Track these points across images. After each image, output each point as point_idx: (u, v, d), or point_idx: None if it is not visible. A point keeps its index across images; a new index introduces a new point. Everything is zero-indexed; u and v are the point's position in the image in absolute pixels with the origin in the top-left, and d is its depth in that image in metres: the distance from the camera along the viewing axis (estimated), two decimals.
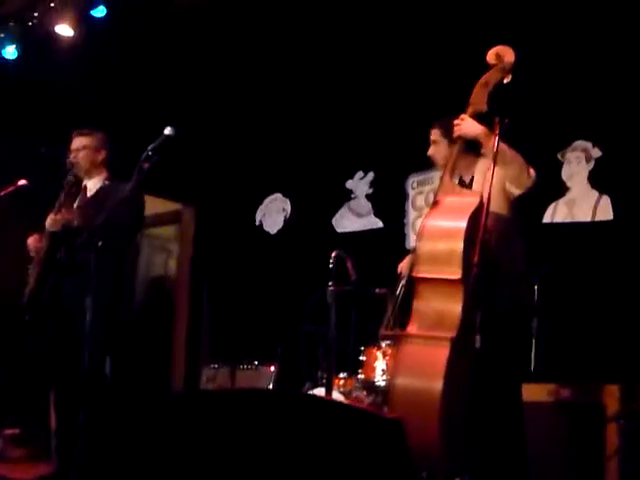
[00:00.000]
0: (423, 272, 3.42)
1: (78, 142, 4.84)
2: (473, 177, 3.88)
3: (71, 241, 4.65)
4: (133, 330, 5.89)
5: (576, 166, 5.72)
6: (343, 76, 6.56)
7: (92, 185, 4.88)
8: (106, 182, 4.86)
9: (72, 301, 4.52)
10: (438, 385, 3.12)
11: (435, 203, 3.62)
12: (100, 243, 4.40)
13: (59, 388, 4.81)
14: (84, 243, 4.47)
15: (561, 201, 5.75)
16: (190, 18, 5.98)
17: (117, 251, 4.69)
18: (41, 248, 4.75)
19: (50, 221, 4.65)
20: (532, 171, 3.69)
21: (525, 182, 3.68)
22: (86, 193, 4.87)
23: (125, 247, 4.85)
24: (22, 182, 5.09)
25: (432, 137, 4.06)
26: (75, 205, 4.80)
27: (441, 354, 3.19)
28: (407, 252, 4.67)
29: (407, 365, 3.33)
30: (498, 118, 3.47)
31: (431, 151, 4.06)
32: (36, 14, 6.02)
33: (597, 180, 5.62)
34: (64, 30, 6.09)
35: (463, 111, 3.74)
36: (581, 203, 5.67)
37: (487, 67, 3.77)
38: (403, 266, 4.46)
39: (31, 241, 4.82)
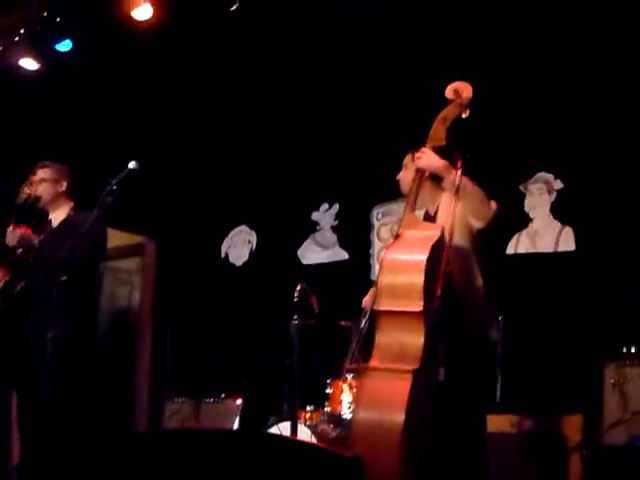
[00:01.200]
0: (384, 305, 3.43)
1: (39, 174, 4.88)
2: (437, 210, 3.91)
3: (32, 273, 4.64)
4: (95, 363, 5.83)
5: (538, 197, 5.79)
6: (308, 109, 6.60)
7: (56, 216, 4.91)
8: (70, 213, 4.88)
9: (34, 334, 4.49)
10: (399, 418, 3.11)
11: (397, 237, 3.64)
12: (64, 278, 4.40)
13: (21, 423, 4.76)
14: (46, 276, 4.45)
15: (524, 232, 5.80)
16: (156, 51, 6.00)
17: (79, 284, 4.67)
18: (1, 280, 4.73)
19: (9, 234, 4.67)
20: (493, 204, 3.72)
21: (486, 215, 3.70)
22: (51, 224, 4.90)
23: (86, 280, 4.83)
24: None
25: (404, 161, 4.09)
26: (41, 236, 4.80)
27: (403, 386, 3.19)
28: (372, 284, 4.67)
29: (369, 398, 3.33)
30: (459, 152, 3.51)
31: (400, 175, 4.09)
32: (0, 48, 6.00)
33: (559, 211, 5.69)
34: (28, 64, 6.07)
35: (422, 145, 3.78)
36: (544, 234, 5.73)
37: (446, 102, 3.82)
38: (367, 300, 4.47)
39: None
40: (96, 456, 3.00)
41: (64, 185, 4.90)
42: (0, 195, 5.42)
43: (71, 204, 4.94)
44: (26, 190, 4.85)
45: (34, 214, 4.95)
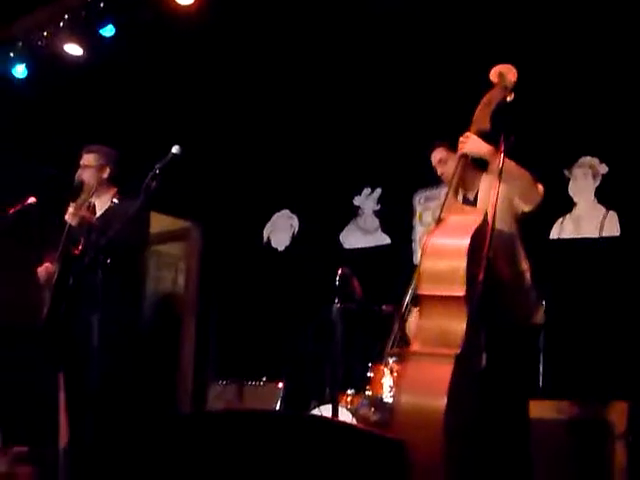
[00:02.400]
0: (427, 290, 3.42)
1: (83, 160, 4.86)
2: (477, 194, 3.88)
3: (80, 261, 4.67)
4: (140, 346, 5.90)
5: (583, 182, 5.73)
6: (351, 92, 6.58)
7: (100, 204, 4.90)
8: (114, 200, 4.85)
9: (83, 321, 4.54)
10: (442, 402, 3.10)
11: (439, 221, 3.62)
12: (108, 261, 4.45)
13: (70, 407, 4.82)
14: (92, 261, 4.50)
15: (568, 217, 5.75)
16: (198, 37, 6.01)
17: (123, 270, 4.70)
18: (52, 274, 4.75)
19: (70, 214, 4.63)
20: (540, 187, 3.70)
21: (534, 198, 3.68)
22: (95, 212, 4.89)
23: (131, 266, 4.86)
24: (31, 200, 5.10)
25: (439, 156, 4.05)
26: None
27: (444, 371, 3.17)
28: (414, 268, 4.65)
29: (410, 382, 3.32)
30: (503, 136, 3.48)
31: (441, 170, 4.06)
32: (45, 33, 6.05)
33: (604, 196, 5.63)
34: (73, 49, 6.12)
35: (466, 129, 3.75)
36: (588, 219, 5.67)
37: (490, 85, 3.78)
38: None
39: (41, 270, 4.81)
40: (142, 438, 3.04)
41: (107, 171, 4.85)
42: (49, 181, 5.49)
43: (114, 190, 4.90)
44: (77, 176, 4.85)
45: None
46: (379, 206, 7.01)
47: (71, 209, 4.65)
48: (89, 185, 4.82)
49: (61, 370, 4.93)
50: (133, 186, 4.53)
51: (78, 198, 4.73)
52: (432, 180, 6.11)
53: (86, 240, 4.68)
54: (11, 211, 5.07)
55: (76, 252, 4.69)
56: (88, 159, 4.85)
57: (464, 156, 3.73)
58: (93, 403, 4.43)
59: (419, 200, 6.72)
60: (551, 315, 4.69)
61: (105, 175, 4.86)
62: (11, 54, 6.26)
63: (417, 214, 6.71)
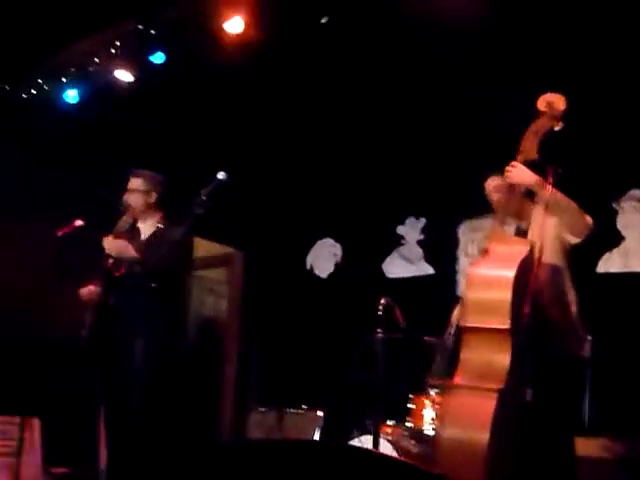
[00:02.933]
0: (471, 321, 3.38)
1: (130, 184, 4.89)
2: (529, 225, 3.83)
3: (124, 283, 4.70)
4: (183, 370, 5.92)
5: (632, 215, 5.65)
6: (397, 122, 6.58)
7: (145, 228, 4.91)
8: (159, 225, 4.87)
9: (124, 343, 4.57)
10: (484, 437, 3.06)
11: (485, 251, 3.59)
12: (153, 285, 4.47)
13: (110, 429, 4.83)
14: (136, 285, 4.53)
15: (616, 251, 5.67)
16: (247, 64, 6.07)
17: (167, 294, 4.71)
18: (94, 295, 4.78)
19: (108, 242, 4.67)
20: (589, 219, 3.65)
21: (582, 230, 3.63)
22: (139, 236, 4.90)
23: (175, 290, 4.87)
24: (79, 223, 5.15)
25: (494, 184, 4.01)
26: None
27: (488, 405, 3.13)
28: (458, 299, 4.61)
29: (453, 416, 3.29)
30: (552, 167, 3.44)
31: (495, 198, 4.01)
32: (96, 59, 6.15)
33: None
34: (123, 75, 6.22)
35: (513, 158, 3.72)
36: (637, 253, 5.58)
37: (538, 114, 3.75)
38: (455, 316, 4.42)
39: (84, 291, 4.85)
40: (181, 465, 3.02)
41: (154, 196, 4.87)
42: (99, 204, 5.54)
43: (160, 215, 4.91)
44: (124, 200, 4.90)
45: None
46: (423, 236, 6.98)
47: (109, 237, 4.69)
48: (132, 209, 4.86)
49: (101, 390, 4.95)
50: (179, 211, 4.56)
51: (118, 223, 4.77)
52: (477, 211, 6.13)
53: (128, 264, 4.70)
54: (59, 233, 5.13)
55: (117, 274, 4.72)
56: (135, 183, 4.88)
57: (511, 186, 3.70)
58: (134, 426, 4.45)
59: (464, 230, 6.67)
60: (598, 350, 4.63)
61: (151, 200, 4.88)
62: (63, 79, 6.37)
63: (462, 245, 6.66)
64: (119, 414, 4.62)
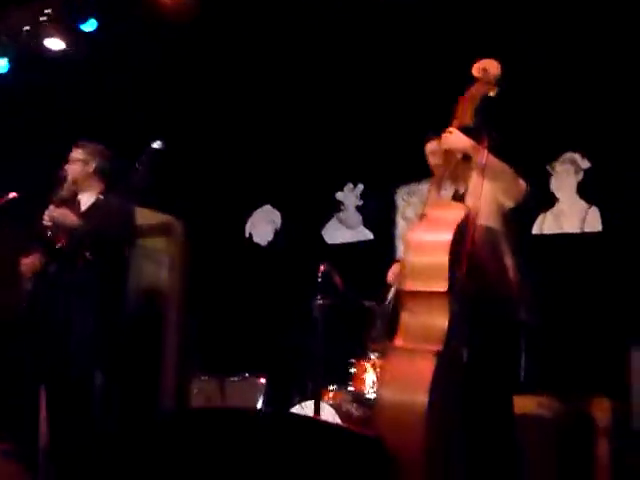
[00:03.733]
0: (409, 285, 3.41)
1: (71, 155, 4.83)
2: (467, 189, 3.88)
3: (64, 254, 4.64)
4: (123, 341, 5.86)
5: (565, 177, 5.75)
6: (332, 87, 6.57)
7: (85, 199, 4.84)
8: (100, 196, 4.82)
9: (63, 315, 4.52)
10: (423, 398, 3.10)
11: (422, 216, 3.63)
12: (88, 254, 4.43)
13: (50, 403, 4.78)
14: (72, 254, 4.48)
15: (550, 212, 5.76)
16: (180, 30, 5.99)
17: (106, 264, 4.68)
18: (35, 266, 4.72)
19: (47, 212, 4.61)
20: (522, 183, 3.69)
21: (516, 194, 3.68)
22: (79, 207, 4.83)
23: (114, 260, 4.84)
24: (12, 195, 5.07)
25: (430, 148, 4.06)
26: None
27: (426, 367, 3.17)
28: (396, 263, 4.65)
29: (392, 378, 3.32)
30: (486, 131, 3.48)
31: (432, 163, 4.06)
32: (27, 28, 6.01)
33: (586, 191, 5.65)
34: (55, 44, 6.08)
35: (450, 124, 3.75)
36: (570, 214, 5.69)
37: (473, 80, 3.78)
38: (391, 274, 4.45)
39: (26, 262, 4.78)
40: (124, 436, 3.03)
41: (92, 166, 4.79)
42: (32, 176, 5.44)
43: (102, 186, 4.84)
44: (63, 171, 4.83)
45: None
46: (361, 201, 7.01)
47: (50, 207, 4.63)
48: (69, 180, 4.79)
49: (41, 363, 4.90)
50: (118, 181, 4.51)
51: (57, 193, 4.71)
52: (414, 175, 6.18)
53: (69, 233, 4.63)
54: None
55: (58, 244, 4.66)
56: (75, 153, 4.82)
57: (447, 151, 3.73)
58: (74, 399, 4.41)
59: (402, 196, 6.72)
60: (533, 310, 4.72)
61: (89, 169, 4.80)
62: None
63: (400, 209, 6.71)
64: (60, 388, 4.58)
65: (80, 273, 4.52)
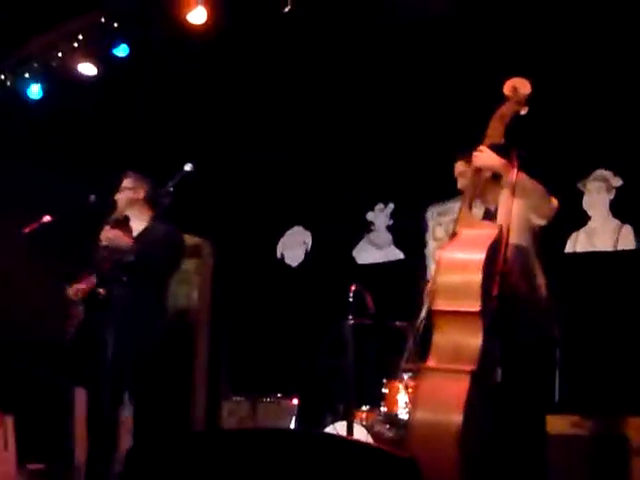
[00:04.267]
0: (441, 305, 3.41)
1: (121, 183, 5.00)
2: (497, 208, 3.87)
3: (111, 277, 4.68)
4: (156, 362, 5.89)
5: (597, 195, 5.71)
6: (363, 109, 6.59)
7: (136, 225, 4.99)
8: (151, 222, 4.96)
9: (112, 336, 4.55)
10: (457, 419, 3.09)
11: (453, 235, 3.62)
12: (124, 279, 4.50)
13: (90, 423, 4.82)
14: (115, 279, 4.54)
15: (582, 231, 5.73)
16: (211, 55, 6.05)
17: (153, 288, 4.80)
18: (83, 290, 4.78)
19: (103, 232, 4.71)
20: (554, 201, 3.68)
21: (547, 212, 3.67)
22: (132, 232, 4.96)
23: (160, 284, 4.94)
24: (46, 218, 5.15)
25: (459, 169, 4.05)
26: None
27: (460, 388, 3.16)
28: (428, 283, 4.63)
29: (426, 399, 3.31)
30: (516, 150, 3.47)
31: (460, 184, 4.04)
32: (59, 53, 6.10)
33: (618, 209, 5.60)
34: (87, 69, 6.16)
35: (480, 143, 3.75)
36: (602, 233, 5.65)
37: (503, 99, 3.78)
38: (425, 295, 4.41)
39: (72, 289, 4.85)
40: (156, 455, 3.03)
41: (141, 193, 4.96)
42: (67, 199, 5.51)
43: (151, 213, 4.98)
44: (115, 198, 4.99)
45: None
46: (392, 221, 7.01)
47: (106, 228, 4.72)
48: (120, 206, 4.95)
49: (77, 385, 4.94)
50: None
51: (109, 217, 4.85)
52: (445, 195, 6.17)
53: (120, 255, 4.70)
54: (26, 230, 5.11)
55: (106, 267, 4.73)
56: (124, 182, 4.99)
57: (478, 170, 3.73)
58: (111, 418, 4.46)
59: (432, 215, 6.71)
60: (566, 329, 4.68)
61: (138, 196, 4.97)
62: (26, 74, 6.30)
63: (430, 229, 6.70)
64: (98, 408, 4.62)
65: (119, 297, 4.60)
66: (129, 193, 4.96)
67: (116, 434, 4.61)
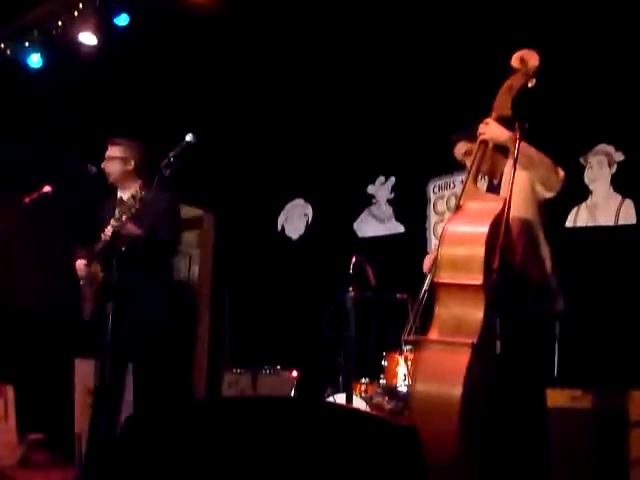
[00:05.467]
0: (444, 277, 3.40)
1: (109, 151, 4.82)
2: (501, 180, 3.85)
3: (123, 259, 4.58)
4: (155, 335, 5.89)
5: (598, 170, 5.70)
6: (364, 81, 6.55)
7: (126, 197, 4.76)
8: (140, 192, 4.81)
9: (124, 317, 4.48)
10: (458, 391, 3.10)
11: (457, 208, 3.60)
12: (123, 248, 4.44)
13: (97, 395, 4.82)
14: (127, 257, 4.46)
15: (583, 205, 5.72)
16: (213, 24, 6.00)
17: (161, 265, 4.75)
18: (91, 272, 4.67)
19: (109, 233, 4.45)
20: (561, 172, 3.63)
21: (555, 184, 3.63)
22: (122, 203, 4.78)
23: (169, 260, 4.91)
24: (46, 188, 5.11)
25: (464, 149, 3.97)
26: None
27: (461, 360, 3.17)
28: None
29: (427, 371, 3.32)
30: (518, 122, 3.45)
31: (469, 162, 3.98)
32: (60, 23, 6.04)
33: (620, 184, 5.60)
34: (88, 38, 6.11)
35: (486, 115, 3.72)
36: (604, 207, 5.65)
37: (511, 71, 3.74)
38: (427, 263, 4.40)
39: (79, 265, 4.75)
40: (157, 425, 3.05)
41: (132, 163, 4.78)
42: (66, 169, 5.48)
43: (139, 182, 4.75)
44: (102, 167, 4.81)
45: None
46: (393, 195, 7.00)
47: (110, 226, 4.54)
48: (111, 176, 4.81)
49: (79, 356, 4.93)
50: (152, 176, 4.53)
51: (119, 213, 4.49)
52: (446, 168, 6.16)
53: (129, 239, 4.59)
54: (27, 200, 5.08)
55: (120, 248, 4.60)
56: (113, 151, 4.81)
57: (484, 143, 3.71)
58: (113, 391, 4.47)
59: (433, 188, 6.70)
60: (567, 303, 4.69)
61: (130, 167, 4.79)
62: (26, 43, 6.25)
63: (431, 202, 6.69)
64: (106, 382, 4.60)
65: (141, 278, 4.56)
66: (119, 164, 4.77)
67: (120, 404, 4.59)
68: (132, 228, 4.50)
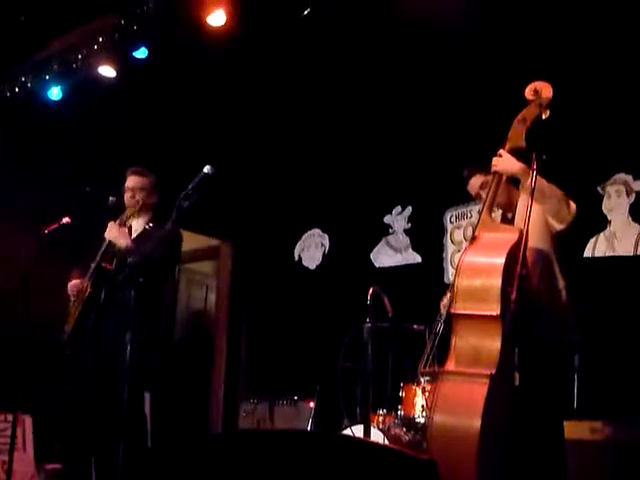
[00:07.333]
0: (461, 308, 3.40)
1: (135, 181, 4.89)
2: (515, 212, 3.85)
3: (113, 278, 4.70)
4: (173, 364, 5.91)
5: (616, 199, 5.68)
6: (381, 112, 6.59)
7: (137, 226, 4.94)
8: (150, 225, 4.89)
9: (112, 337, 4.57)
10: (476, 423, 3.09)
11: (473, 239, 3.60)
12: (141, 279, 4.47)
13: (100, 425, 4.82)
14: (125, 279, 4.52)
15: (602, 235, 5.70)
16: (229, 57, 6.06)
17: (154, 287, 4.75)
18: (82, 289, 4.79)
19: (108, 228, 4.71)
20: (572, 205, 3.66)
21: (565, 216, 3.64)
22: (131, 233, 4.92)
23: (161, 283, 4.91)
24: (65, 220, 5.16)
25: (480, 181, 3.96)
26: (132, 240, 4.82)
27: (479, 391, 3.16)
28: (446, 287, 4.63)
29: (445, 402, 3.30)
30: (535, 154, 3.45)
31: (485, 195, 3.98)
32: (79, 56, 6.12)
33: (638, 213, 5.57)
34: (107, 71, 6.18)
35: (500, 146, 3.73)
36: (622, 237, 5.62)
37: (525, 103, 3.76)
38: (445, 303, 4.42)
39: (71, 285, 4.89)
40: (173, 457, 3.04)
41: (155, 197, 4.93)
42: (84, 201, 5.53)
43: (150, 215, 4.93)
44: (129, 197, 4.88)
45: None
46: (410, 224, 7.00)
47: (111, 225, 4.70)
48: (135, 207, 4.88)
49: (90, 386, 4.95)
50: (167, 207, 4.56)
51: (119, 217, 4.80)
52: (463, 198, 6.15)
53: (119, 258, 4.71)
54: (45, 231, 5.13)
55: (109, 268, 4.73)
56: (143, 181, 4.90)
57: (498, 174, 3.72)
58: (125, 421, 4.44)
59: (450, 218, 6.70)
60: (586, 334, 4.65)
61: (152, 200, 4.93)
62: (46, 77, 6.33)
63: (448, 232, 6.69)
64: (109, 410, 4.62)
65: (131, 298, 4.57)
66: (145, 195, 4.87)
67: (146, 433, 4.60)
68: (124, 235, 4.58)
